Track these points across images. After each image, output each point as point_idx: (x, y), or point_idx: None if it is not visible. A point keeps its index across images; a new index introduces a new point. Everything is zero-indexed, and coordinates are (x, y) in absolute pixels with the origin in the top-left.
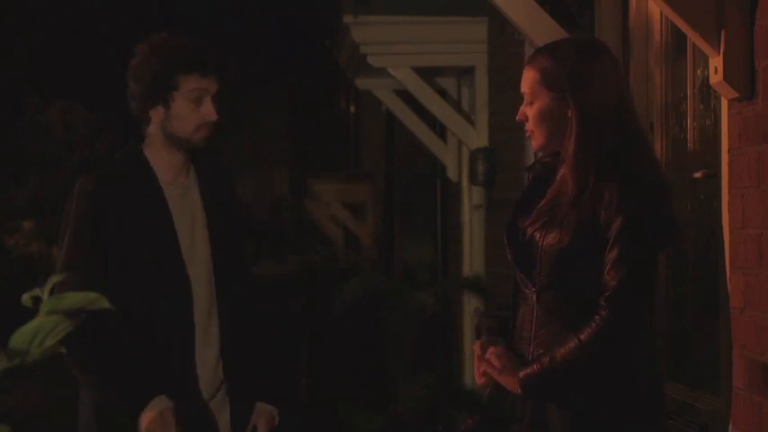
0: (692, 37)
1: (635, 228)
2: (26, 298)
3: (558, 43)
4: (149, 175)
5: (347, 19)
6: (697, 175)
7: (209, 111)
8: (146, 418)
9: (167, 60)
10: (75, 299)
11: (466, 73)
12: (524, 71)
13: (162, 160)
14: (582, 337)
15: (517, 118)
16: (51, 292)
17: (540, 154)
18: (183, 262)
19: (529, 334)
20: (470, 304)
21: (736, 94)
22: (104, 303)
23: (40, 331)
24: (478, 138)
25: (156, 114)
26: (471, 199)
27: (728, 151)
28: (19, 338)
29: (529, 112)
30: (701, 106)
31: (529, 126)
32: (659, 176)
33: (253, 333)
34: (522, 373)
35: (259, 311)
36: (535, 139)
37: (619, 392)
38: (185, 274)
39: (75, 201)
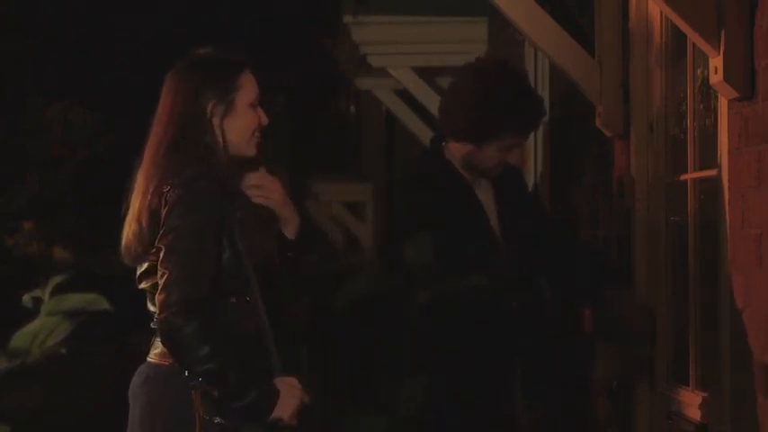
0: (692, 37)
1: None
2: (27, 298)
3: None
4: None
5: (347, 19)
6: (697, 175)
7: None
8: None
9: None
10: (75, 299)
11: None
12: None
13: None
14: None
15: None
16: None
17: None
18: None
19: None
20: None
21: (736, 94)
22: (104, 304)
23: (41, 332)
24: None
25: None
26: None
27: (728, 151)
28: (20, 339)
29: None
30: (701, 106)
31: None
32: None
33: None
34: None
35: None
36: None
37: None
38: None
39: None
